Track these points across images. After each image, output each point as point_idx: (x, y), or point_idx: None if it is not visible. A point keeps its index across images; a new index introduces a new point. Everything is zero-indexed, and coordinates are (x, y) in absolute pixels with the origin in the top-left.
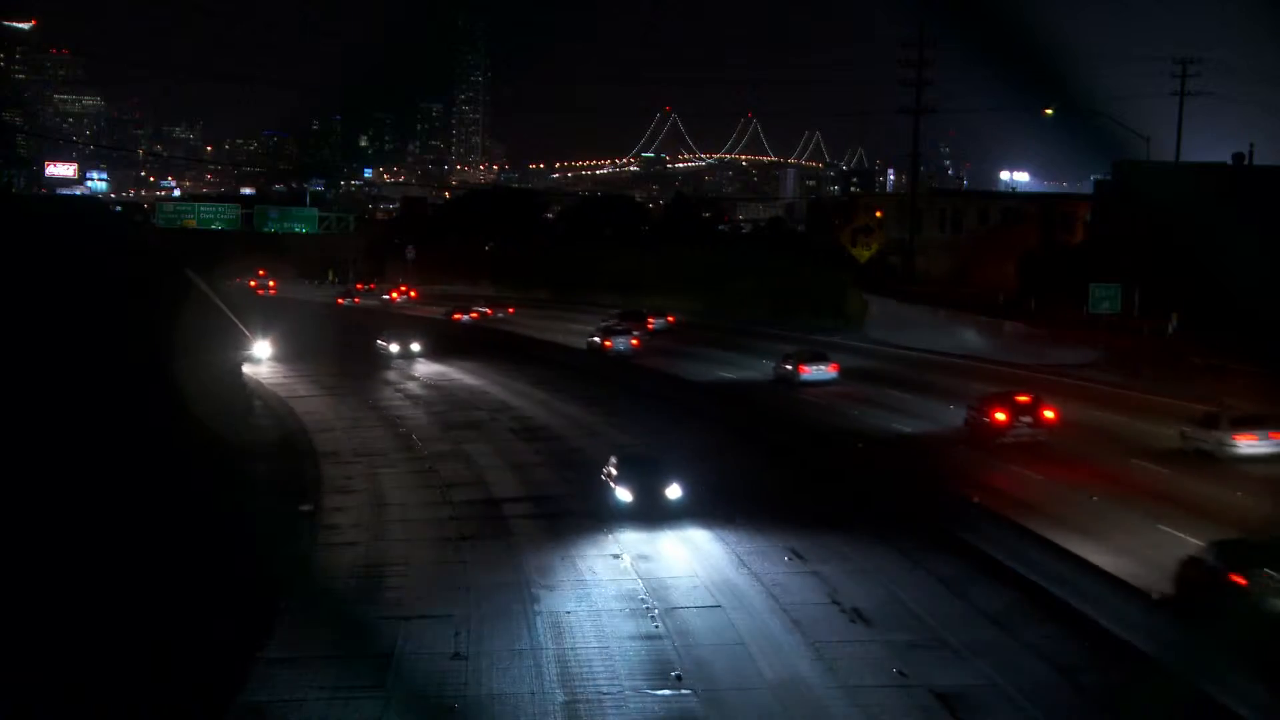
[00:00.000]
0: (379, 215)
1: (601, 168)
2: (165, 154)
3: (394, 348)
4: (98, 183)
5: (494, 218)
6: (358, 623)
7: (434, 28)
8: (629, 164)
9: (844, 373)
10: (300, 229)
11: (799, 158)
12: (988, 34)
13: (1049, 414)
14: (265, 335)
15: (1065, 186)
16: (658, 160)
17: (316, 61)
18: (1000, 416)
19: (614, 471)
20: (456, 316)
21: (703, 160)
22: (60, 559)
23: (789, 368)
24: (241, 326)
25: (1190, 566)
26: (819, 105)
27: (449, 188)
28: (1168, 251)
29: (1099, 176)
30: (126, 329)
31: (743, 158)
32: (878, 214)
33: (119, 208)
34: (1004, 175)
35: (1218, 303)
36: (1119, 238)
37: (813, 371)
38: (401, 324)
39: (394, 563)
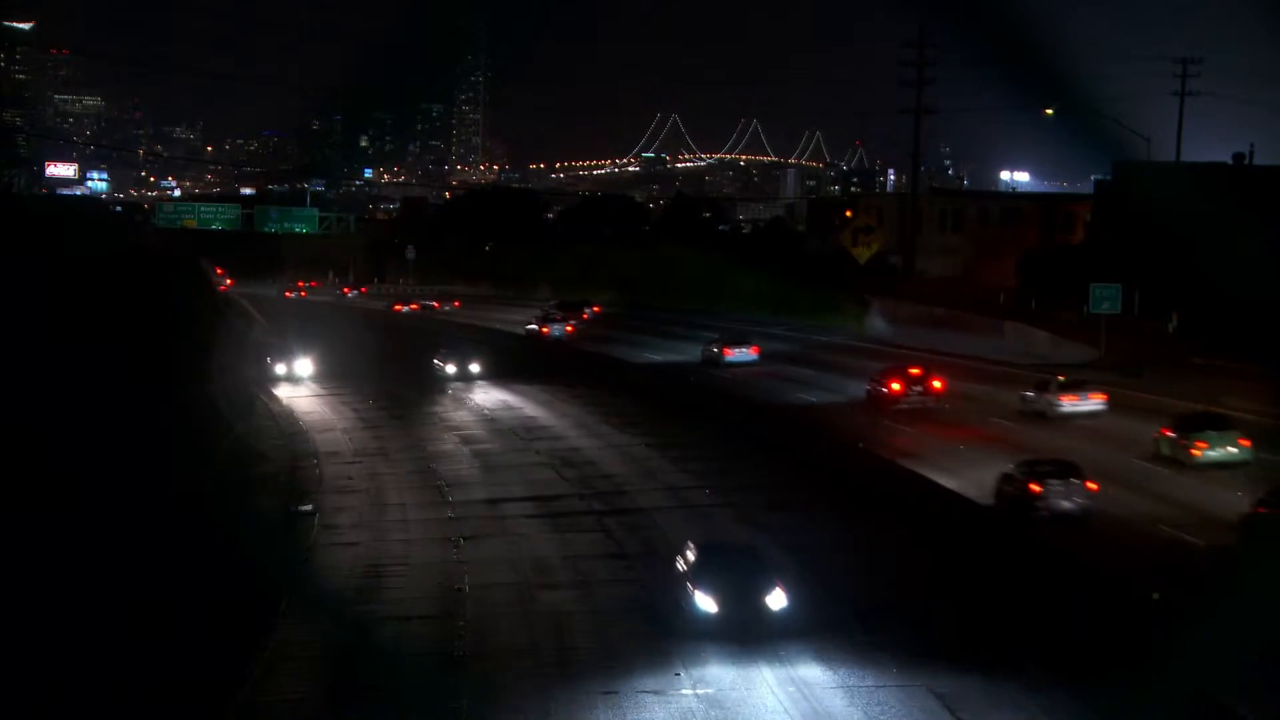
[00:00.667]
0: (379, 215)
1: (601, 168)
2: (165, 154)
3: (450, 368)
4: (98, 183)
5: (494, 218)
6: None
7: (434, 28)
8: (629, 164)
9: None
10: (300, 229)
11: (799, 158)
12: (988, 34)
13: (937, 384)
14: (303, 349)
15: (1065, 186)
16: (658, 160)
17: (316, 61)
18: (895, 387)
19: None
20: (397, 307)
21: (703, 160)
22: (61, 559)
23: (715, 350)
24: (273, 342)
25: (1004, 481)
26: (819, 105)
27: (449, 188)
28: (1168, 251)
29: (1099, 176)
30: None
31: (742, 158)
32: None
33: (119, 208)
34: (1004, 175)
35: (1218, 303)
36: (1119, 238)
37: (736, 354)
38: (456, 336)
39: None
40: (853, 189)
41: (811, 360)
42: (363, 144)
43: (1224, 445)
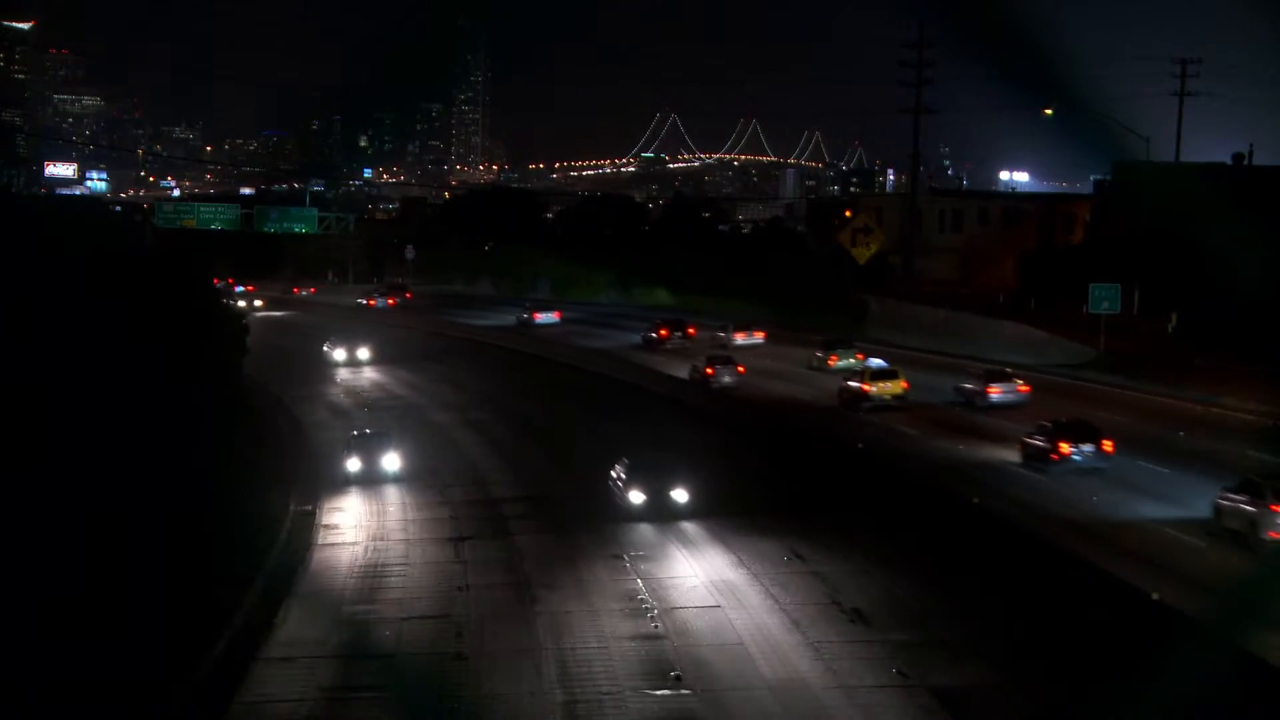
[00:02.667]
0: (379, 215)
1: (601, 168)
2: (165, 154)
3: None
4: (97, 183)
5: (493, 218)
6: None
7: (434, 28)
8: (629, 164)
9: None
10: (300, 229)
11: (799, 158)
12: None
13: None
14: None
15: (1065, 186)
16: (657, 160)
17: (316, 61)
18: (663, 333)
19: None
20: (370, 302)
21: (702, 160)
22: (62, 558)
23: (525, 315)
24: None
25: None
26: (819, 105)
27: (449, 188)
28: (1168, 251)
29: (1099, 176)
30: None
31: (742, 157)
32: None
33: (118, 208)
34: (1004, 175)
35: (1218, 303)
36: (1119, 238)
37: (543, 318)
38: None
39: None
40: (852, 189)
41: (605, 323)
42: (362, 144)
43: (847, 358)
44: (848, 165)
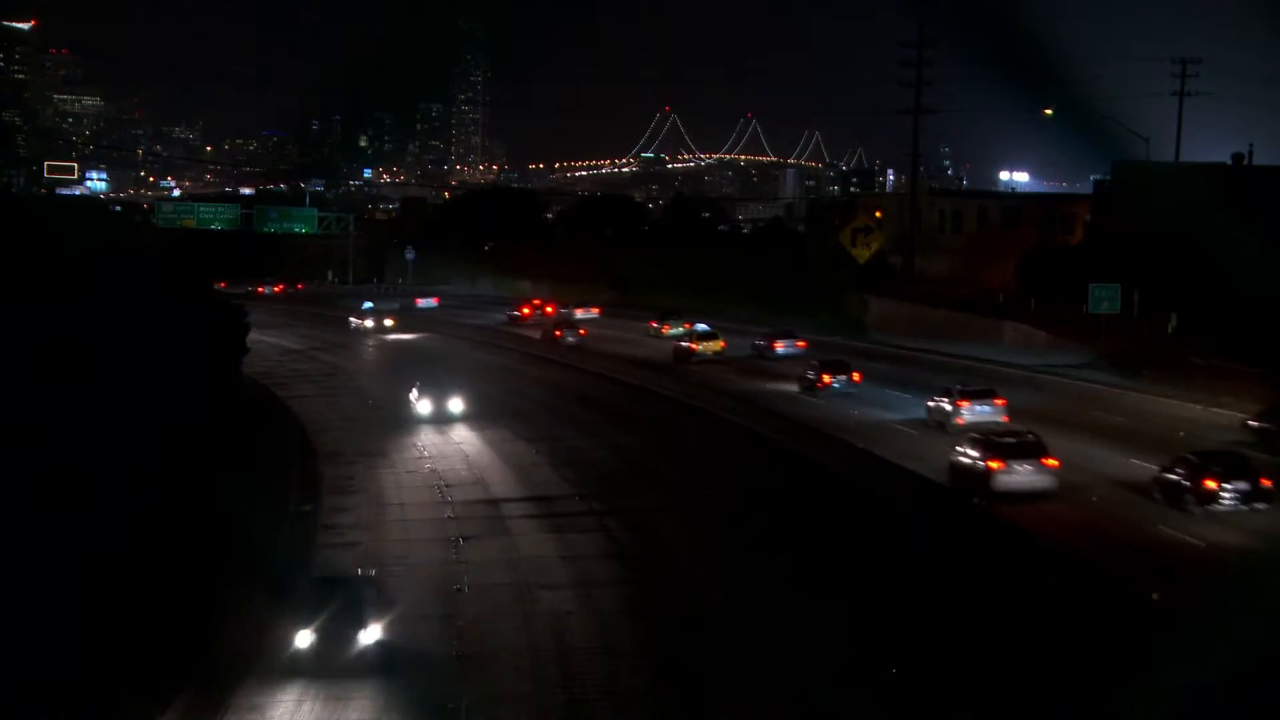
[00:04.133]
0: (379, 215)
1: (601, 168)
2: (165, 154)
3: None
4: (97, 183)
5: (494, 218)
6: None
7: (434, 28)
8: (629, 164)
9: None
10: (300, 229)
11: (799, 158)
12: (987, 34)
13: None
14: None
15: (1065, 186)
16: (657, 160)
17: (316, 61)
18: (525, 311)
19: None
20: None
21: (702, 160)
22: (62, 557)
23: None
24: None
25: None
26: (819, 105)
27: (449, 188)
28: (1168, 251)
29: (1099, 176)
30: None
31: (742, 157)
32: (877, 214)
33: (118, 207)
34: (1004, 175)
35: (1218, 303)
36: (1119, 238)
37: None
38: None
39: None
40: (852, 189)
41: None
42: (362, 144)
43: (677, 327)
44: (848, 165)
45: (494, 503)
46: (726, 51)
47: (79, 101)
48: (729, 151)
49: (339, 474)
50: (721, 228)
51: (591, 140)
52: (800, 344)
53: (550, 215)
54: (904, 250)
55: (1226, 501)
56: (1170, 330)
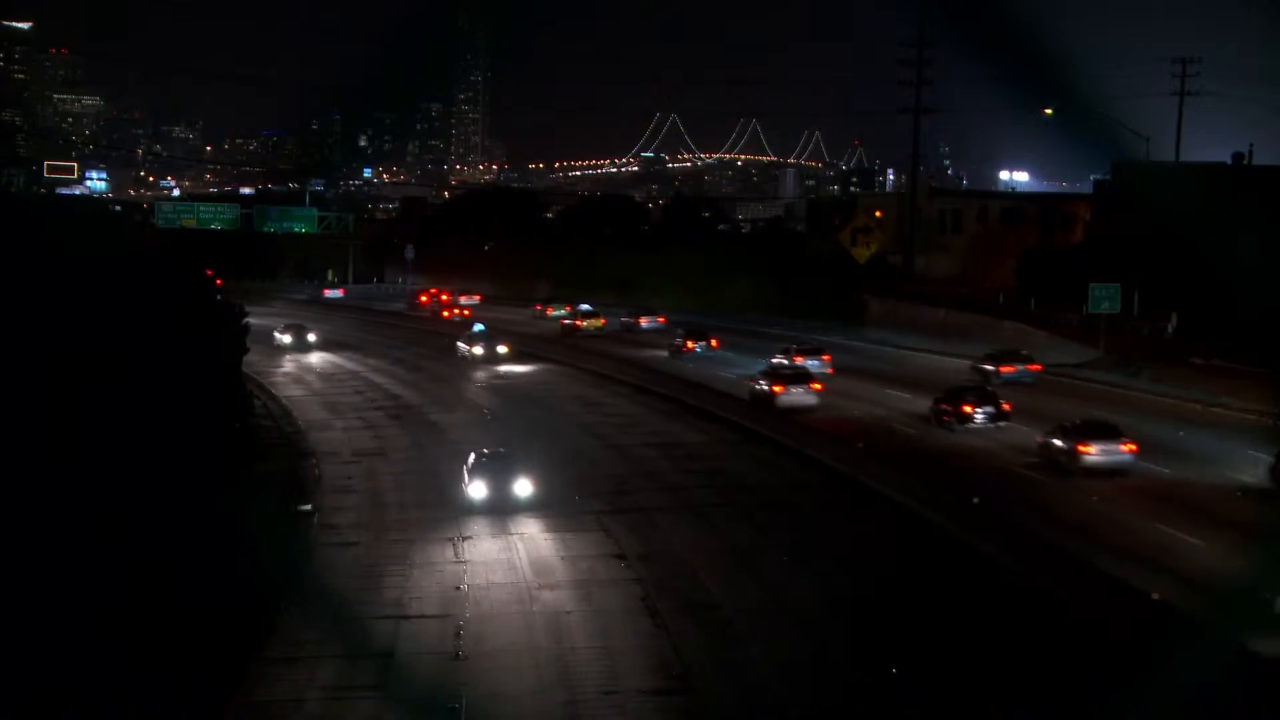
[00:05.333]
0: (379, 215)
1: (601, 168)
2: (165, 154)
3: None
4: (97, 182)
5: (494, 218)
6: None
7: (434, 27)
8: (629, 164)
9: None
10: (300, 229)
11: (799, 158)
12: (988, 34)
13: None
14: None
15: (1065, 186)
16: (657, 160)
17: (316, 61)
18: (424, 299)
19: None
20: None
21: (702, 160)
22: (61, 556)
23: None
24: None
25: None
26: (819, 105)
27: (449, 188)
28: (1168, 251)
29: (1099, 176)
30: None
31: (742, 157)
32: (877, 214)
33: (118, 207)
34: (1004, 175)
35: (1218, 303)
36: (1119, 238)
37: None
38: None
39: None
40: (852, 189)
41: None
42: (362, 144)
43: (559, 309)
44: (848, 165)
45: None
46: (726, 51)
47: (79, 101)
48: (729, 151)
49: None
50: (721, 228)
51: (591, 140)
52: (660, 319)
53: (550, 215)
54: (904, 250)
55: (979, 421)
56: (1170, 330)
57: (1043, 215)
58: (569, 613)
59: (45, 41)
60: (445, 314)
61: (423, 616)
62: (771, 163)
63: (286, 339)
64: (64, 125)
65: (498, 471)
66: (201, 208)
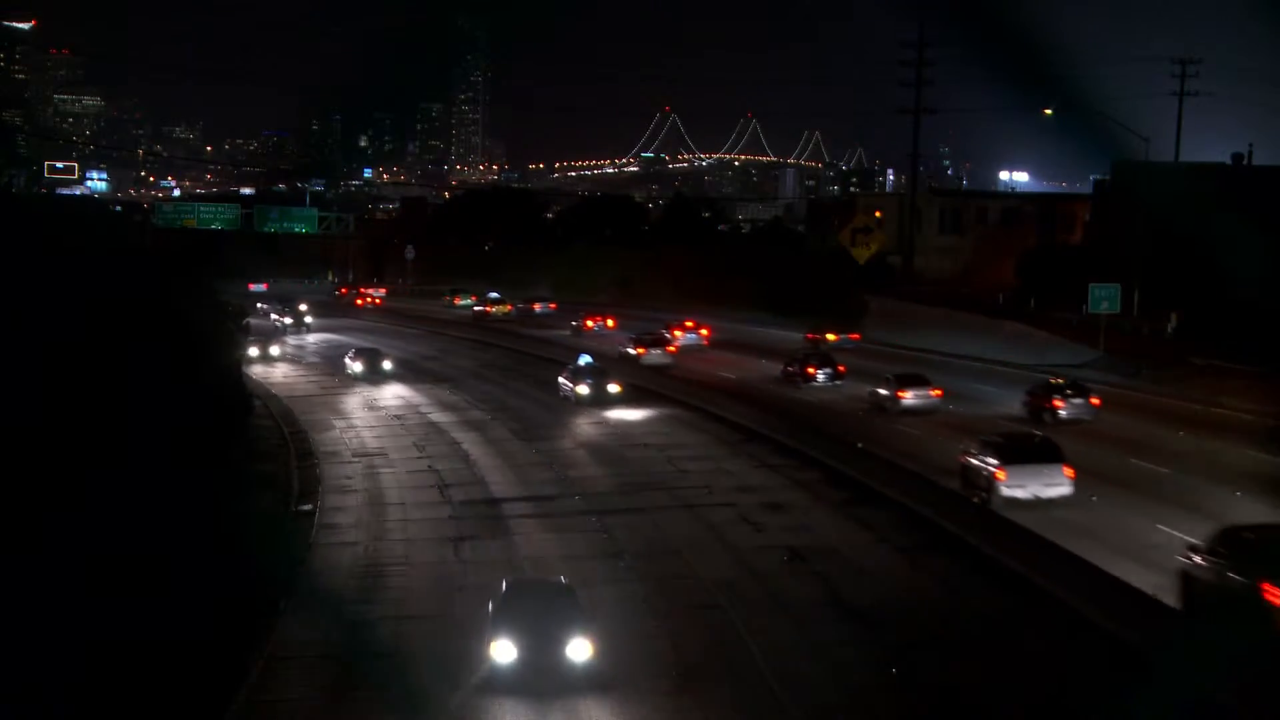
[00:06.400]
0: (379, 215)
1: (601, 168)
2: (165, 154)
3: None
4: (97, 182)
5: (494, 218)
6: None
7: (434, 27)
8: (629, 164)
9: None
10: (300, 229)
11: (799, 158)
12: (987, 34)
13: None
14: None
15: (1064, 186)
16: (657, 160)
17: (316, 61)
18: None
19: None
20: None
21: (702, 160)
22: (61, 555)
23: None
24: None
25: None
26: (819, 105)
27: (449, 188)
28: (1168, 251)
29: (1099, 176)
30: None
31: (741, 157)
32: (877, 214)
33: (118, 207)
34: (1004, 175)
35: (1218, 303)
36: (1119, 238)
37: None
38: None
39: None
40: (852, 189)
41: None
42: (362, 144)
43: (466, 298)
44: (848, 165)
45: None
46: (726, 51)
47: (79, 101)
48: (729, 151)
49: None
50: (721, 228)
51: (591, 140)
52: (552, 306)
53: (550, 215)
54: (904, 250)
55: (820, 381)
56: (1170, 330)
57: (1043, 215)
58: None
59: (45, 41)
60: (359, 302)
61: (423, 617)
62: (771, 163)
63: (358, 367)
64: (64, 125)
65: (538, 615)
66: (201, 208)
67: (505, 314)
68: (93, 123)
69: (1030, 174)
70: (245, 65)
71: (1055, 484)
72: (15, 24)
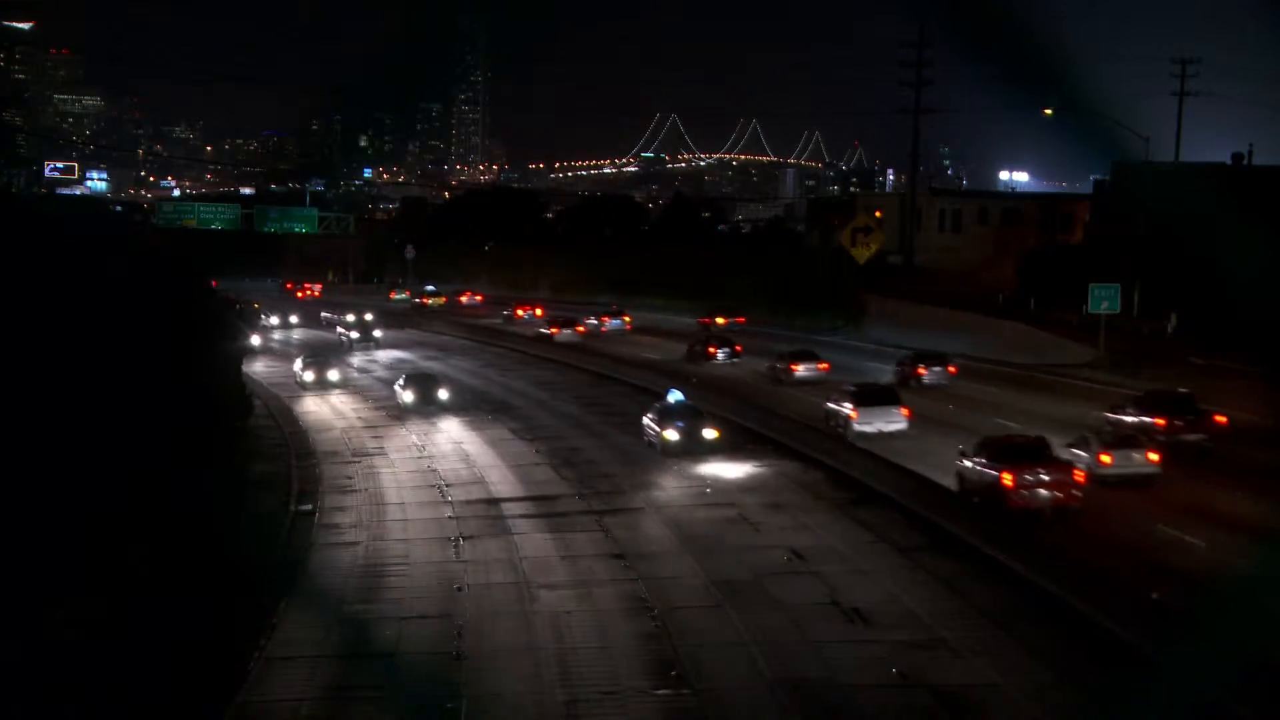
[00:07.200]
0: (379, 215)
1: (601, 168)
2: (165, 154)
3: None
4: (97, 182)
5: (494, 218)
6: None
7: (434, 27)
8: (628, 164)
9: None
10: (300, 229)
11: (799, 158)
12: (987, 34)
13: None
14: None
15: (1064, 186)
16: (657, 160)
17: (316, 61)
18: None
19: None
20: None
21: (702, 160)
22: (60, 555)
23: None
24: None
25: (413, 305)
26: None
27: (449, 188)
28: (1167, 251)
29: (1099, 176)
30: None
31: (741, 157)
32: (877, 214)
33: (118, 207)
34: (1004, 175)
35: (1217, 303)
36: (1119, 238)
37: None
38: None
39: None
40: (852, 189)
41: None
42: (362, 144)
43: (401, 293)
44: (848, 165)
45: None
46: (727, 51)
47: (79, 101)
48: (729, 151)
49: None
50: (721, 228)
51: (592, 140)
52: (479, 297)
53: (550, 215)
54: (904, 250)
55: (720, 359)
56: (1170, 330)
57: (1042, 215)
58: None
59: (46, 41)
60: (300, 295)
61: (423, 617)
62: (771, 163)
63: (408, 396)
64: (64, 125)
65: None
66: (202, 208)
67: (441, 304)
68: (93, 123)
69: (1030, 174)
70: (245, 65)
71: (894, 421)
72: (15, 24)
